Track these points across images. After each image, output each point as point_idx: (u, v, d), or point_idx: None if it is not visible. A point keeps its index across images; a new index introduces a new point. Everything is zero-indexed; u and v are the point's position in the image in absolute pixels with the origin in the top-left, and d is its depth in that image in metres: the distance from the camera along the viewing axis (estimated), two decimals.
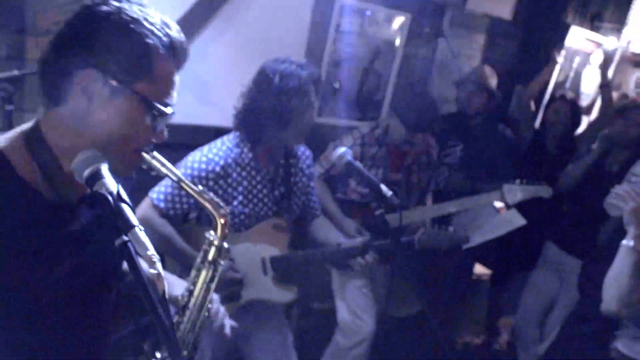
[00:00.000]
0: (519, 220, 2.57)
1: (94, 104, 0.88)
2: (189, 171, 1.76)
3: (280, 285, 1.92)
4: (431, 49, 3.31)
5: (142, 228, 0.71)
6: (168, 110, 0.93)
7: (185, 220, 1.88)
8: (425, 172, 2.60)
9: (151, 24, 0.89)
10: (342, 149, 1.80)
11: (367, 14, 2.95)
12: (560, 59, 3.44)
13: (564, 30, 3.80)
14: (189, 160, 1.79)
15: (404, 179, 2.52)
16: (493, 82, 3.01)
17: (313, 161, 2.13)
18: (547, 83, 3.57)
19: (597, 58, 3.66)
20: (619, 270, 1.55)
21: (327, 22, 2.80)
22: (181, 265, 1.76)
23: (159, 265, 0.67)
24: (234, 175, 1.80)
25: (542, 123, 3.31)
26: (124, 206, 0.73)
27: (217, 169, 1.77)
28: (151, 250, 0.68)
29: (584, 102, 3.89)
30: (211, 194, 1.12)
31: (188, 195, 1.27)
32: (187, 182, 1.06)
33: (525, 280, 3.20)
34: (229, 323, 1.41)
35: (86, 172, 0.77)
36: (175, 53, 0.93)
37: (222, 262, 1.14)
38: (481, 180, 2.96)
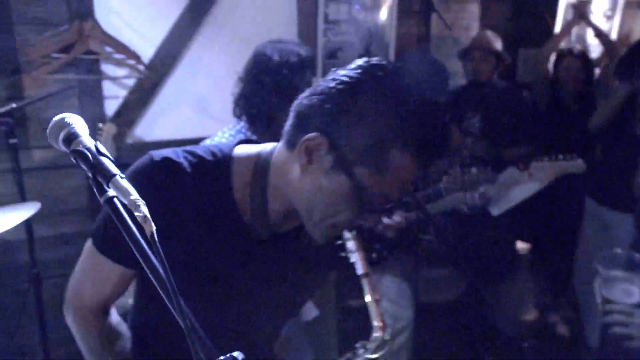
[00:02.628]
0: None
1: (312, 168, 0.87)
2: None
3: None
4: (424, 26, 3.35)
5: (122, 176, 0.70)
6: (383, 202, 0.88)
7: None
8: (445, 158, 2.56)
9: (404, 115, 0.83)
10: None
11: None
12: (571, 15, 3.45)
13: None
14: None
15: None
16: (498, 44, 3.03)
17: None
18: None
19: (598, 6, 3.67)
20: None
21: (314, 14, 2.87)
22: None
23: (143, 208, 0.66)
24: None
25: (555, 81, 3.31)
26: (103, 159, 0.72)
27: None
28: (134, 195, 0.68)
29: (593, 53, 3.87)
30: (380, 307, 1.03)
31: None
32: (371, 282, 0.98)
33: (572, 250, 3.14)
34: None
35: (61, 135, 0.76)
36: (421, 151, 0.85)
37: None
38: (505, 146, 2.99)
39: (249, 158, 0.95)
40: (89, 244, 0.99)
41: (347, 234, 0.95)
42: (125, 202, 0.68)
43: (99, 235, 0.97)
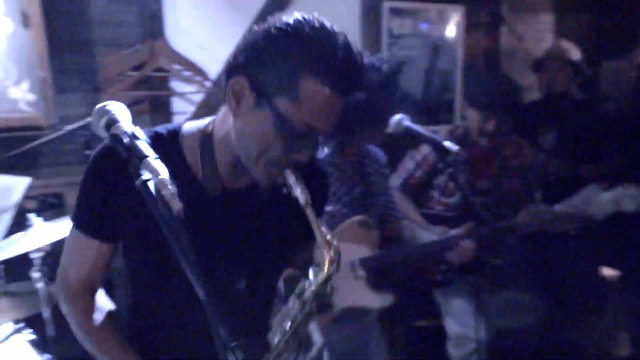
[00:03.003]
0: None
1: (241, 111, 0.94)
2: None
3: (375, 290, 1.87)
4: (494, 39, 3.26)
5: (156, 156, 0.77)
6: (307, 133, 0.92)
7: None
8: (518, 178, 2.40)
9: (314, 44, 0.89)
10: (397, 116, 1.76)
11: (418, 13, 2.99)
12: None
13: None
14: None
15: (493, 187, 2.36)
16: (575, 54, 2.86)
17: (387, 162, 2.12)
18: None
19: None
20: None
21: (378, 28, 2.87)
22: None
23: (171, 187, 0.73)
24: None
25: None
26: (138, 142, 0.80)
27: None
28: (163, 175, 0.75)
29: None
30: (326, 229, 1.01)
31: None
32: (311, 208, 1.00)
33: None
34: None
35: (102, 121, 0.83)
36: (335, 79, 0.90)
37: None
38: (583, 163, 2.79)
39: (198, 127, 1.04)
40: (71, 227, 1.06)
41: (287, 171, 0.98)
42: (155, 181, 0.75)
43: (76, 214, 1.04)
